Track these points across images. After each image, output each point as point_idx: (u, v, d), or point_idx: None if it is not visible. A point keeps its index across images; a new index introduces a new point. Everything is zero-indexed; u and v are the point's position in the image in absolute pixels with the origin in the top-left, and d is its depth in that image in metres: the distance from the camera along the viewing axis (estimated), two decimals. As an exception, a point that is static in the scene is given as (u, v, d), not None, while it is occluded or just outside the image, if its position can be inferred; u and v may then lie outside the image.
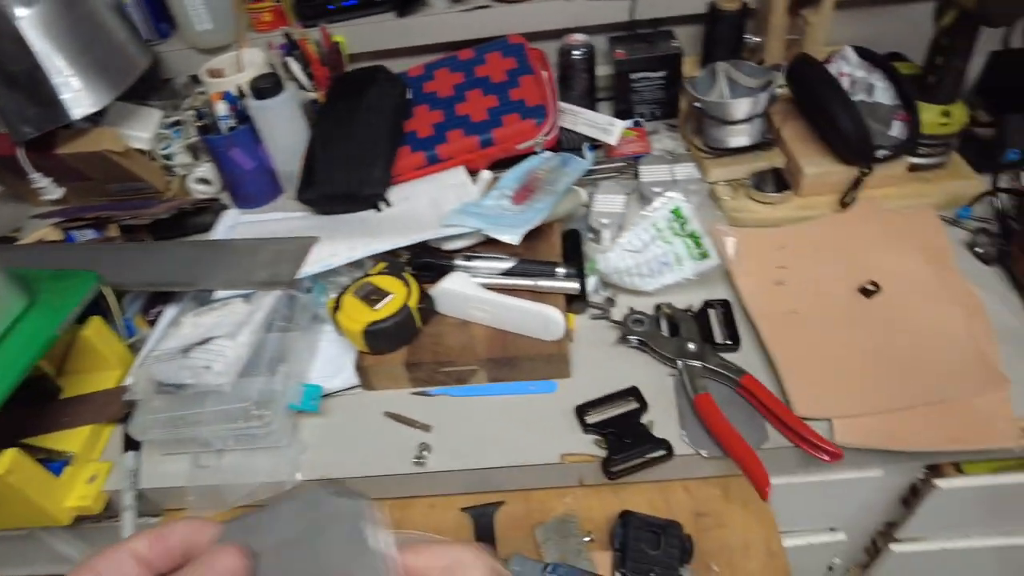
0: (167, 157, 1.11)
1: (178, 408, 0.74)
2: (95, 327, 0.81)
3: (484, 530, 0.74)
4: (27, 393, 0.72)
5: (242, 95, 1.02)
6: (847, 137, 0.87)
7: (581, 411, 0.74)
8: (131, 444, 0.77)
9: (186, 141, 1.11)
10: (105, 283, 0.82)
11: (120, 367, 0.84)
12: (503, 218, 0.86)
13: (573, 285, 0.81)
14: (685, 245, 0.84)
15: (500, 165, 0.99)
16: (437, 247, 0.88)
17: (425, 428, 0.76)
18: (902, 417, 0.70)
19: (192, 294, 0.88)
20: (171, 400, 0.74)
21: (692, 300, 0.84)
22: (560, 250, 0.88)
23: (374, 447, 0.75)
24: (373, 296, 0.78)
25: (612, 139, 1.02)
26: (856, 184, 0.89)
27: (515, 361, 0.77)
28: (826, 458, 0.67)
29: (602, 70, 1.14)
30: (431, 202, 0.94)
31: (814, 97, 0.91)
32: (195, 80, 1.14)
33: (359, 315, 0.76)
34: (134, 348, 0.87)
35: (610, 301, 0.85)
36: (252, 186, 1.07)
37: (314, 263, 0.86)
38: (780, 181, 0.94)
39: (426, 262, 0.85)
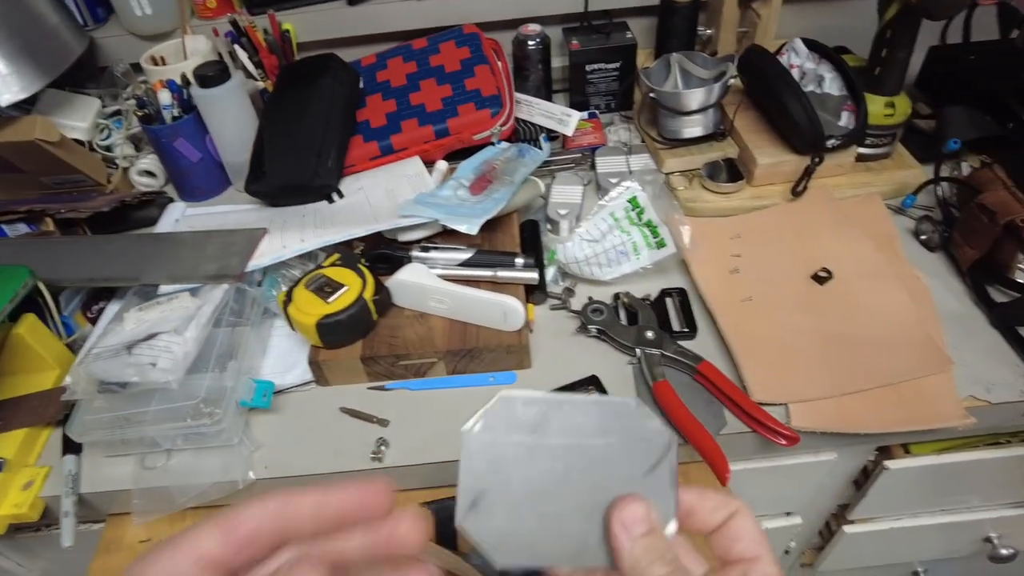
0: (107, 148, 1.06)
1: (122, 407, 0.70)
2: (29, 325, 0.76)
3: (445, 525, 0.72)
4: (-45, 396, 0.67)
5: (187, 83, 0.98)
6: (799, 127, 0.88)
7: (542, 401, 0.73)
8: (71, 447, 0.73)
9: (127, 132, 1.06)
10: (39, 279, 0.78)
11: (58, 367, 0.80)
12: (461, 208, 0.85)
13: (532, 275, 0.80)
14: (642, 234, 0.85)
15: (456, 156, 0.98)
16: (393, 238, 0.86)
17: (383, 423, 0.74)
18: (855, 400, 0.72)
19: (136, 289, 0.84)
20: (114, 399, 0.71)
21: (649, 289, 0.85)
22: (519, 241, 0.87)
23: (330, 443, 0.73)
24: (326, 288, 0.76)
25: (568, 130, 1.02)
26: (808, 173, 0.91)
27: (475, 352, 0.76)
28: (783, 442, 0.68)
29: (557, 62, 1.14)
30: (386, 193, 0.92)
31: (766, 88, 0.92)
32: (136, 68, 1.09)
33: (311, 308, 0.74)
34: (74, 347, 0.83)
35: (569, 291, 0.85)
36: (198, 178, 1.03)
37: (264, 255, 0.83)
38: (734, 171, 0.95)
39: (382, 253, 0.83)
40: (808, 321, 0.79)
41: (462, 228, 0.81)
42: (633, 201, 0.86)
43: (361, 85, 1.03)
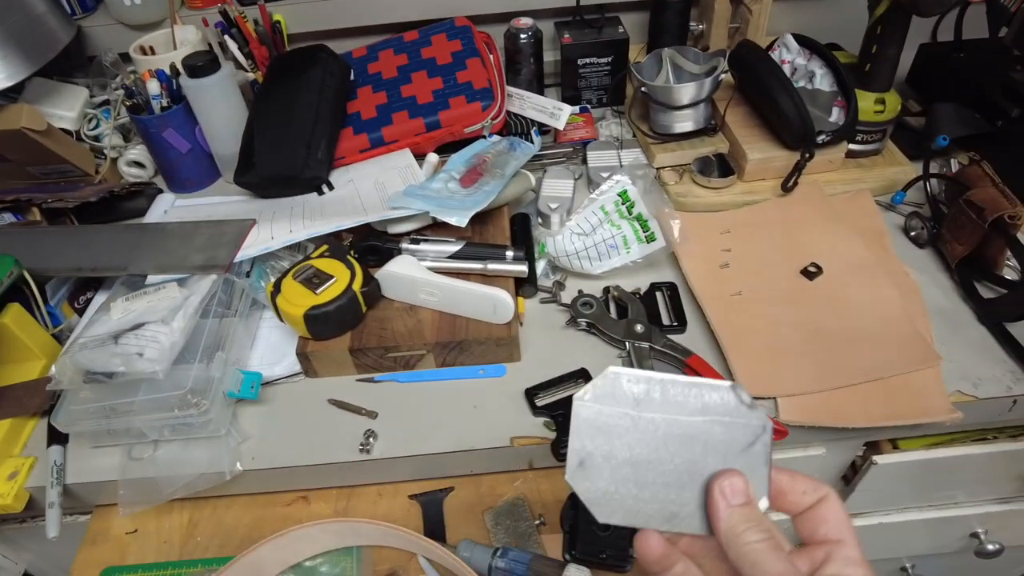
0: (95, 138, 1.05)
1: (108, 398, 0.70)
2: (14, 314, 0.76)
3: (433, 517, 0.72)
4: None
5: (176, 73, 0.97)
6: (790, 122, 0.88)
7: (531, 394, 0.73)
8: (57, 437, 0.73)
9: (116, 122, 1.05)
10: (25, 268, 0.77)
11: (44, 357, 0.79)
12: (451, 201, 0.85)
13: (522, 268, 0.80)
14: (632, 228, 0.85)
15: (447, 149, 0.97)
16: (382, 230, 0.86)
17: (371, 415, 0.74)
18: (843, 395, 0.72)
19: (123, 280, 0.83)
20: (101, 390, 0.70)
21: (640, 283, 0.85)
22: (509, 233, 0.87)
23: (318, 435, 0.73)
24: (315, 280, 0.75)
25: (559, 123, 1.02)
26: (798, 169, 0.91)
27: (464, 345, 0.75)
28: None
29: (549, 56, 1.13)
30: (376, 184, 0.92)
31: (757, 83, 0.93)
32: (125, 58, 1.08)
33: (300, 299, 0.74)
34: (60, 337, 0.82)
35: (559, 284, 0.85)
36: (188, 169, 1.02)
37: (252, 246, 0.82)
38: (724, 166, 0.95)
39: (371, 245, 0.83)
40: (797, 316, 0.79)
41: (452, 220, 0.81)
42: (624, 195, 0.86)
43: (352, 77, 1.02)
